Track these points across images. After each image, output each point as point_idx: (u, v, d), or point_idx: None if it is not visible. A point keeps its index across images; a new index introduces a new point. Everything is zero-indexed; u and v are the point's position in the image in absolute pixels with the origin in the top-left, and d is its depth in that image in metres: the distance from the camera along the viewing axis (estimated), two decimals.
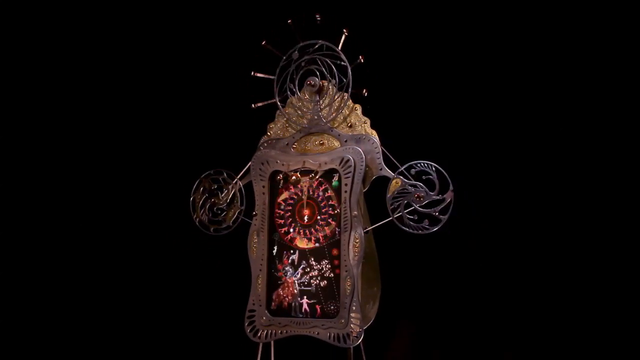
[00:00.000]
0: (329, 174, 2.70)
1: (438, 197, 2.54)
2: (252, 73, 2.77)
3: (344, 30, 2.65)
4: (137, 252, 3.53)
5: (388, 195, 2.60)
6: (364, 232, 2.61)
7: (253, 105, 2.78)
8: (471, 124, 3.15)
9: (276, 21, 2.74)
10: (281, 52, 2.75)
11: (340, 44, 2.66)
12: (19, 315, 3.54)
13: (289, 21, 2.69)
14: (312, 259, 2.70)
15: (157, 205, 3.48)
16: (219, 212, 2.82)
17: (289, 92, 2.75)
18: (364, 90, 2.64)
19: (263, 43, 2.73)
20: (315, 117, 2.73)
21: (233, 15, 3.43)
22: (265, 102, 2.78)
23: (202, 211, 2.83)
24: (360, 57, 2.62)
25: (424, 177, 2.56)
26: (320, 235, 2.70)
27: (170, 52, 3.53)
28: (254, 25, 3.23)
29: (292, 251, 2.73)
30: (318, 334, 2.64)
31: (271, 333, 2.69)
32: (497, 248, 3.13)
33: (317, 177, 2.71)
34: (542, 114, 3.10)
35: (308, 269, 2.70)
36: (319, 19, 2.66)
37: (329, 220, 2.69)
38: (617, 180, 3.01)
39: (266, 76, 2.76)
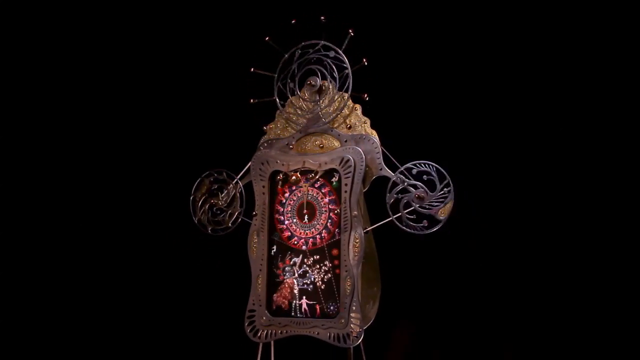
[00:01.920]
0: (329, 174, 2.70)
1: (438, 197, 2.54)
2: (252, 69, 2.76)
3: (350, 31, 2.64)
4: (138, 252, 3.53)
5: (388, 196, 2.60)
6: (364, 232, 2.61)
7: (251, 100, 2.78)
8: (471, 124, 3.15)
9: (276, 21, 2.74)
10: (282, 51, 2.74)
11: (344, 45, 2.65)
12: (20, 315, 3.54)
13: (293, 21, 2.68)
14: (312, 259, 2.70)
15: (157, 206, 3.48)
16: (219, 212, 2.82)
17: (289, 92, 2.75)
18: (365, 95, 2.64)
19: (267, 38, 2.72)
20: (316, 117, 2.73)
21: (234, 16, 3.43)
22: (264, 99, 2.77)
23: (202, 211, 2.83)
24: (364, 60, 2.62)
25: (424, 177, 2.56)
26: (320, 235, 2.70)
27: (171, 52, 3.53)
28: (255, 26, 3.23)
29: (291, 251, 2.73)
30: (318, 334, 2.64)
31: (271, 333, 2.69)
32: (497, 248, 3.13)
33: (317, 177, 2.71)
34: (541, 114, 3.11)
35: (308, 269, 2.70)
36: (323, 19, 2.66)
37: (329, 220, 2.69)
38: (616, 179, 3.01)
39: (266, 73, 2.75)
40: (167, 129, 3.53)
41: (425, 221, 2.54)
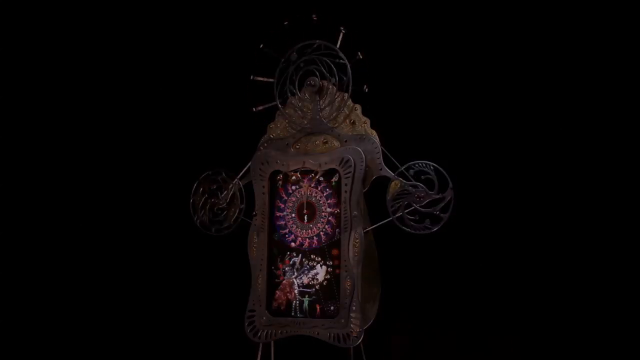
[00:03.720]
0: (329, 174, 2.70)
1: (438, 197, 2.55)
2: (252, 77, 2.76)
3: (341, 28, 2.65)
4: (138, 253, 3.53)
5: (388, 196, 2.60)
6: (364, 232, 2.61)
7: (254, 109, 2.78)
8: (471, 124, 3.15)
9: (275, 22, 2.74)
10: (280, 53, 2.74)
11: (339, 43, 2.65)
12: (20, 315, 3.54)
13: (285, 22, 2.68)
14: (312, 259, 2.70)
15: (157, 206, 3.48)
16: (219, 212, 2.82)
17: (289, 93, 2.75)
18: (365, 87, 2.63)
19: (261, 46, 2.73)
20: (316, 117, 2.73)
21: (232, 16, 3.43)
22: (266, 105, 2.78)
23: (202, 211, 2.83)
24: (359, 53, 2.62)
25: (423, 177, 2.56)
26: (320, 235, 2.70)
27: (171, 53, 3.53)
28: (253, 25, 3.23)
29: (291, 251, 2.73)
30: (318, 334, 2.64)
31: (271, 333, 2.69)
32: (497, 248, 3.13)
33: (317, 177, 2.71)
34: (541, 113, 3.11)
35: (308, 269, 2.70)
36: (315, 18, 2.66)
37: (329, 220, 2.69)
38: (615, 179, 3.01)
39: (266, 79, 2.76)
40: (167, 129, 3.53)
41: (427, 220, 2.55)
